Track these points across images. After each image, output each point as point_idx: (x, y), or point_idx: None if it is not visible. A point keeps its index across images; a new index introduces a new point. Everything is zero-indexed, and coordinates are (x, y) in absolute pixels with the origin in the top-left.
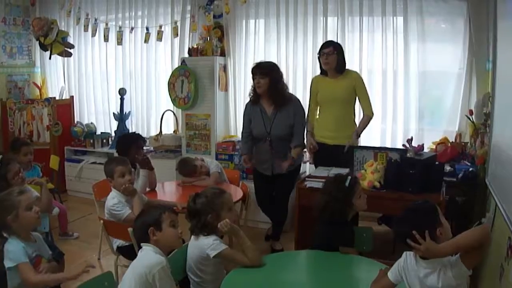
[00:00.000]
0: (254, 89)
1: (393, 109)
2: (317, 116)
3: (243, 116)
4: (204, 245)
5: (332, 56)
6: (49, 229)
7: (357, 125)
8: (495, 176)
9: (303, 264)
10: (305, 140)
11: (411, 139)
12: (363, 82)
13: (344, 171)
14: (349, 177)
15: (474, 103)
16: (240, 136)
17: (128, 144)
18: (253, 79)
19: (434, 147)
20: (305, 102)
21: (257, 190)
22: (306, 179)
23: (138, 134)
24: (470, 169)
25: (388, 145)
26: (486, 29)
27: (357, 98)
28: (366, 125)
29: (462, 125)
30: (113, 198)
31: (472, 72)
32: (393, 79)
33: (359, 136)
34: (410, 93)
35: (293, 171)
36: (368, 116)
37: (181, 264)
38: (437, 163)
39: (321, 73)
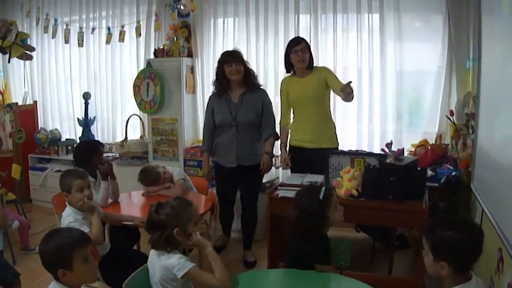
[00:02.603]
0: (221, 80)
1: (369, 110)
2: (291, 120)
3: (206, 110)
4: (170, 265)
5: (305, 52)
6: (2, 247)
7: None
8: (481, 181)
9: (277, 284)
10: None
11: (391, 143)
12: (332, 72)
13: (319, 178)
14: (323, 188)
15: (454, 103)
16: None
17: (88, 153)
18: (225, 67)
19: (413, 149)
20: (276, 103)
21: (219, 187)
22: (278, 187)
23: (97, 140)
24: (453, 173)
25: (365, 147)
26: (466, 26)
27: (330, 92)
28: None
29: (442, 126)
30: (69, 216)
31: (452, 71)
32: (369, 79)
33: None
34: (387, 93)
35: (259, 164)
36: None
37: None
38: (419, 168)
39: (287, 72)
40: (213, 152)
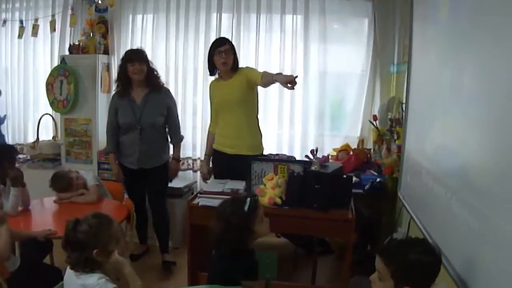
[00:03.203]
0: (124, 79)
1: (291, 113)
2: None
3: (109, 109)
4: (89, 286)
5: (229, 54)
6: None
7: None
8: (409, 189)
9: None
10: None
11: (316, 150)
12: (252, 68)
13: (240, 184)
14: (248, 200)
15: (377, 107)
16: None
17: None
18: (128, 66)
19: (335, 154)
20: (195, 102)
21: (127, 187)
22: (198, 195)
23: (11, 145)
24: (378, 179)
25: (285, 152)
26: (392, 31)
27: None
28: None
29: (364, 131)
30: None
31: (376, 75)
32: None
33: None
34: (309, 96)
35: (163, 166)
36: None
37: None
38: (345, 176)
39: (210, 74)
40: (118, 153)
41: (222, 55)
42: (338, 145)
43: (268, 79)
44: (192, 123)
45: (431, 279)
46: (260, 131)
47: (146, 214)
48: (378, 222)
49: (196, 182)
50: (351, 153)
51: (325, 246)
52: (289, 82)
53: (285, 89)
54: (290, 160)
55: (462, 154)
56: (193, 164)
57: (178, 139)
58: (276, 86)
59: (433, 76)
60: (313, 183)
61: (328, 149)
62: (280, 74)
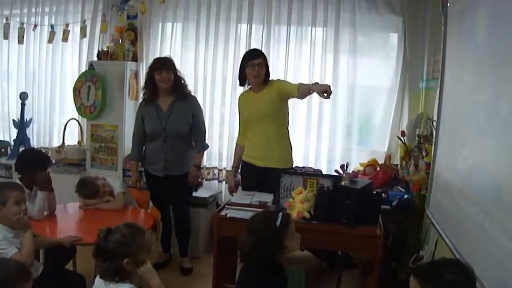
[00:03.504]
0: (151, 87)
1: (318, 126)
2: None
3: (136, 116)
4: None
5: (262, 67)
6: None
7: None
8: (439, 207)
9: None
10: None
11: (347, 165)
12: (283, 80)
13: (269, 197)
14: (280, 214)
15: (405, 123)
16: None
17: (32, 165)
18: (156, 74)
19: (361, 168)
20: (223, 112)
21: (152, 196)
22: (226, 206)
23: (45, 154)
24: (405, 196)
25: (312, 165)
26: (422, 47)
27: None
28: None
29: (392, 146)
30: None
31: (405, 90)
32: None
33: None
34: (337, 109)
35: (188, 174)
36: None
37: None
38: (374, 192)
39: (240, 85)
40: (142, 160)
41: (255, 68)
42: (365, 159)
43: (304, 90)
44: (219, 133)
45: None
46: (291, 144)
47: (170, 223)
48: (404, 239)
49: (221, 192)
50: (378, 168)
51: (348, 261)
52: (325, 91)
53: (314, 101)
54: (320, 174)
55: (497, 175)
56: (218, 174)
57: (201, 146)
58: (305, 99)
59: (468, 96)
60: (343, 198)
61: (354, 163)
62: (316, 83)
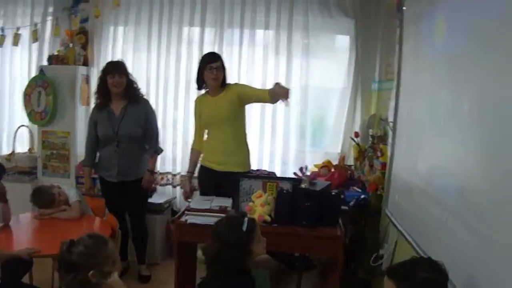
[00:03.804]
0: (103, 91)
1: (272, 128)
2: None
3: (88, 122)
4: None
5: (221, 70)
6: None
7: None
8: (398, 206)
9: None
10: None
11: (306, 167)
12: (243, 84)
13: (227, 201)
14: (246, 219)
15: (358, 124)
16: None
17: None
18: (108, 78)
19: (316, 170)
20: (176, 116)
21: (106, 203)
22: (186, 212)
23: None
24: (362, 196)
25: (266, 168)
26: (374, 49)
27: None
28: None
29: (345, 147)
30: None
31: (357, 92)
32: None
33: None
34: (291, 112)
35: (141, 178)
36: None
37: None
38: (333, 193)
39: (198, 88)
40: (95, 166)
41: (213, 72)
42: (319, 161)
43: (273, 94)
44: (173, 138)
45: None
46: (248, 148)
47: (127, 230)
48: (362, 238)
49: (175, 197)
50: (333, 169)
51: (307, 261)
52: (284, 95)
53: (267, 104)
54: (279, 177)
55: (459, 175)
56: (172, 179)
57: (154, 149)
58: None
59: (427, 98)
60: (303, 200)
61: (309, 165)
62: (277, 84)
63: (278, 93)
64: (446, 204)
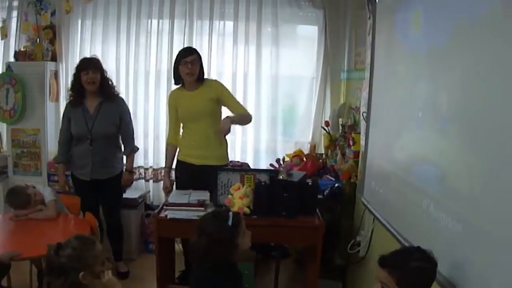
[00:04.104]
0: (77, 88)
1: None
2: (181, 135)
3: (62, 118)
4: None
5: (196, 65)
6: None
7: (225, 141)
8: (375, 194)
9: None
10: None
11: (283, 159)
12: (227, 88)
13: (205, 195)
14: (231, 214)
15: (328, 113)
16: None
17: None
18: (82, 75)
19: (288, 159)
20: (147, 109)
21: (81, 199)
22: (165, 207)
23: None
24: (336, 184)
25: (238, 159)
26: (343, 39)
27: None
28: (243, 120)
29: (316, 136)
30: None
31: (327, 81)
32: (243, 84)
33: (233, 123)
34: (261, 102)
35: (117, 178)
36: (247, 113)
37: None
38: (310, 183)
39: (175, 83)
40: (69, 163)
41: (188, 66)
42: (290, 150)
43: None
44: (144, 131)
45: (430, 284)
46: (226, 141)
47: (101, 226)
48: (337, 226)
49: (149, 191)
50: (305, 159)
51: (282, 250)
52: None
53: (239, 93)
54: (257, 169)
55: (440, 164)
56: (145, 173)
57: (131, 149)
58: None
59: (402, 89)
60: (281, 191)
61: (280, 154)
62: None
63: (220, 127)
64: (427, 191)
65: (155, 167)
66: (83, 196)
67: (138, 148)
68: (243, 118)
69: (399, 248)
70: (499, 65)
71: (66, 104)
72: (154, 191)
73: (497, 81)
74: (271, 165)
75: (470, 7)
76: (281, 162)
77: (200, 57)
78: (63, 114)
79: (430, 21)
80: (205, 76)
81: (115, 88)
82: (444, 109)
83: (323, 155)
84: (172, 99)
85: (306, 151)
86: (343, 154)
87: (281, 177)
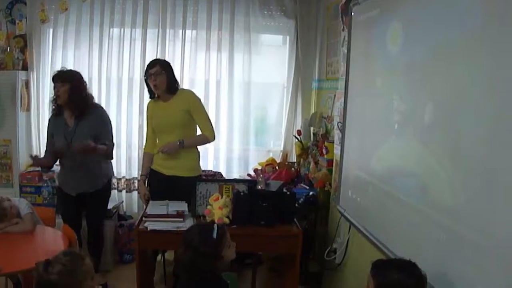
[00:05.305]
0: (55, 100)
1: (216, 127)
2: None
3: (47, 131)
4: None
5: (160, 76)
6: None
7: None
8: (352, 202)
9: None
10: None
11: (261, 170)
12: (199, 101)
13: (183, 206)
14: (215, 226)
15: (299, 122)
16: None
17: None
18: (54, 88)
19: (260, 168)
20: (119, 119)
21: (62, 214)
22: (144, 219)
23: None
24: (311, 193)
25: (210, 168)
26: (314, 49)
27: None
28: (198, 143)
29: (288, 144)
30: None
31: (298, 90)
32: (216, 93)
33: (182, 146)
34: (234, 111)
35: (101, 190)
36: (205, 136)
37: None
38: (288, 192)
39: (150, 96)
40: (57, 175)
41: (153, 78)
42: (262, 159)
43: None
44: (116, 141)
45: None
46: (198, 152)
47: (81, 241)
48: (313, 234)
49: (122, 202)
50: (277, 167)
51: (256, 257)
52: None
53: (212, 101)
54: (235, 179)
55: (419, 174)
56: (117, 184)
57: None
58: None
59: (379, 102)
60: (260, 201)
61: (253, 163)
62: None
63: (164, 146)
64: (407, 201)
65: (127, 177)
66: (66, 209)
67: (112, 157)
68: (197, 142)
69: (395, 258)
70: (477, 80)
71: (49, 118)
72: (127, 201)
73: (476, 95)
74: (249, 175)
75: (447, 22)
76: (260, 172)
77: (167, 68)
78: (48, 128)
79: (408, 37)
80: (180, 85)
81: (92, 100)
82: (422, 122)
83: (295, 164)
84: (149, 109)
85: (278, 160)
86: (316, 163)
87: (259, 187)
